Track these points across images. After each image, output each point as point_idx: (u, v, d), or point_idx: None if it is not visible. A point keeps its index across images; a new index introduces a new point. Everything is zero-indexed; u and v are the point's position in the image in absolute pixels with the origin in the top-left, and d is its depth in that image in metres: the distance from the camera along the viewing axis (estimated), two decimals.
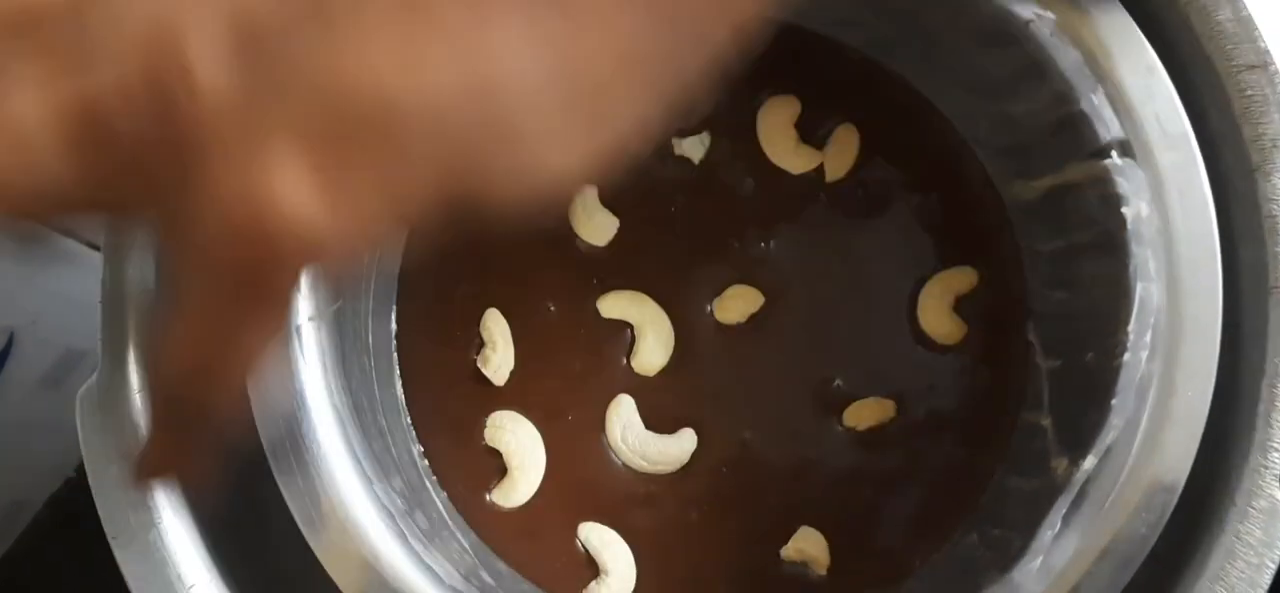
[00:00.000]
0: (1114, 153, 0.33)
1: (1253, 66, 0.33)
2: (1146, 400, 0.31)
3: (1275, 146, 0.32)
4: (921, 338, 0.39)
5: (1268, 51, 0.32)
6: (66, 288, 0.51)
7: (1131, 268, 0.33)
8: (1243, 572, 0.31)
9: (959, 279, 0.39)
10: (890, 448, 0.39)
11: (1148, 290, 0.32)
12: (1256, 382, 0.32)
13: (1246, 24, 0.32)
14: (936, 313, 0.39)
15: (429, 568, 0.32)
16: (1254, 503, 0.31)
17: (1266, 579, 0.31)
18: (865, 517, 0.39)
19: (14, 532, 0.58)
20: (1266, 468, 0.31)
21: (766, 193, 0.40)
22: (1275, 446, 0.31)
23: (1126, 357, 0.32)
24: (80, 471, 0.57)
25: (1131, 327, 0.32)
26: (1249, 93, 0.32)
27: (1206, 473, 0.32)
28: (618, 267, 0.40)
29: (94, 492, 0.32)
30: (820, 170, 0.40)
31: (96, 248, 0.51)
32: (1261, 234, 0.32)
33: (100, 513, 0.32)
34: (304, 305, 0.32)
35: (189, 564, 0.32)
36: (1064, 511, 0.32)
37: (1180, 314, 0.32)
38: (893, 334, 0.40)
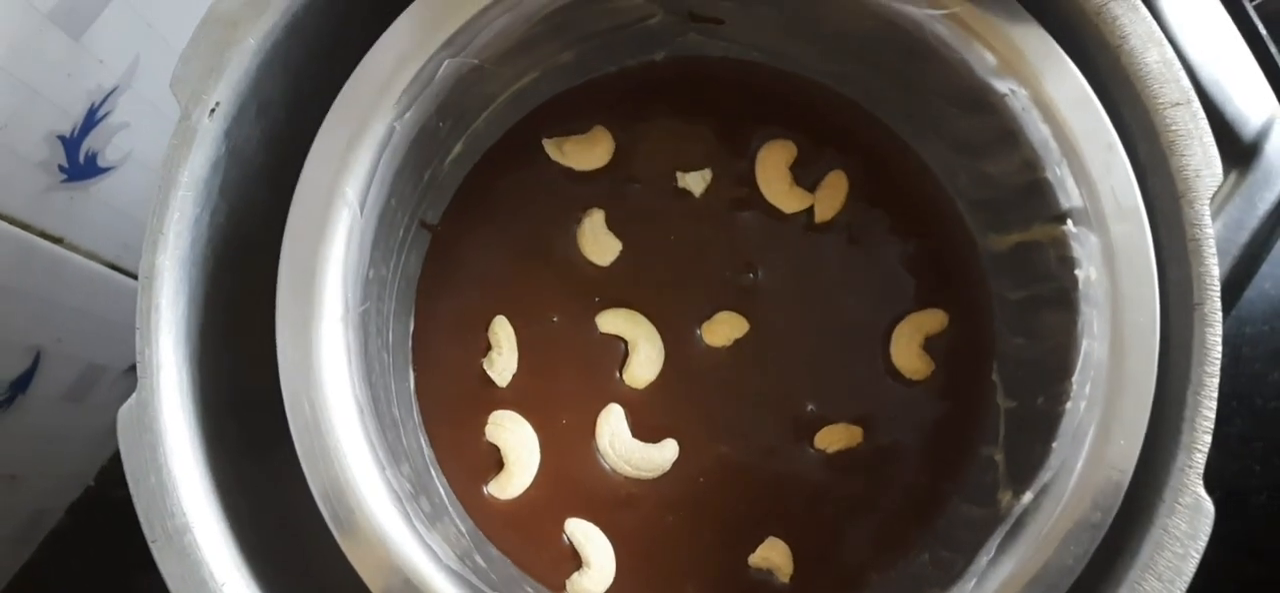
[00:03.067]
0: (1071, 220, 0.36)
1: (1177, 103, 0.36)
2: (1083, 446, 0.34)
3: (1198, 176, 0.35)
4: (892, 371, 0.42)
5: (1190, 90, 0.36)
6: (89, 307, 0.54)
7: (1080, 324, 0.36)
8: (1170, 562, 0.34)
9: (930, 320, 0.42)
10: (856, 471, 0.42)
11: (1092, 347, 0.35)
12: (1183, 390, 0.35)
13: (1171, 66, 0.36)
14: (907, 350, 0.42)
15: (430, 548, 0.34)
16: (1180, 500, 0.34)
17: (1191, 568, 0.34)
18: (829, 532, 0.41)
19: (37, 537, 0.61)
20: (1191, 468, 0.34)
21: (759, 228, 0.43)
22: (1199, 448, 0.34)
23: (1068, 404, 0.35)
24: (99, 480, 0.60)
25: (1075, 378, 0.35)
26: (1174, 128, 0.36)
27: (1139, 470, 0.35)
28: (617, 286, 0.43)
29: (134, 500, 0.34)
30: (811, 210, 0.43)
31: (118, 270, 0.54)
32: (1186, 255, 0.35)
33: (140, 518, 0.34)
34: (335, 305, 0.35)
35: (220, 564, 0.34)
36: (1000, 539, 0.35)
37: (1121, 372, 0.35)
38: (865, 366, 0.42)
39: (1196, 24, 0.52)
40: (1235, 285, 0.50)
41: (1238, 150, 0.50)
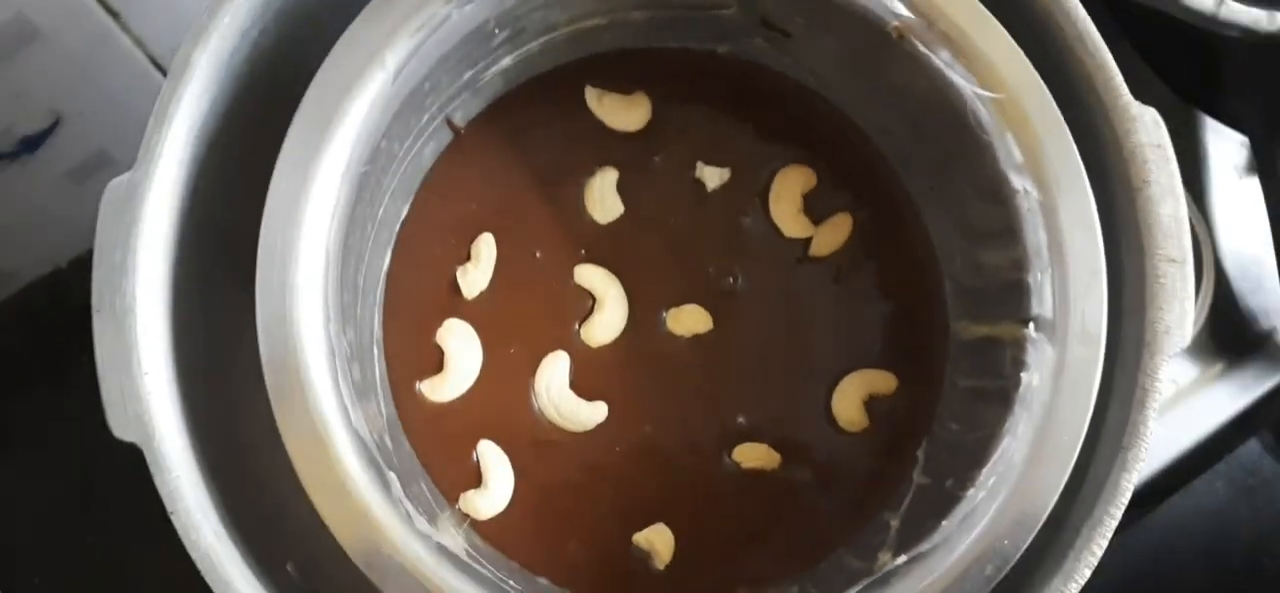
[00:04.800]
0: (1034, 325, 0.37)
1: (1173, 260, 0.37)
2: (968, 534, 0.35)
3: (1167, 333, 0.36)
4: (828, 415, 0.43)
5: (1189, 251, 0.37)
6: (121, 94, 0.55)
7: (1007, 422, 0.36)
8: None
9: (880, 381, 0.43)
10: (762, 493, 0.42)
11: (1010, 446, 0.36)
12: (1081, 521, 0.36)
13: (1181, 223, 0.37)
14: (850, 401, 0.43)
15: (347, 411, 0.35)
16: None
17: None
18: (716, 539, 0.42)
19: None
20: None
21: (755, 240, 0.44)
22: (1077, 579, 0.35)
23: (970, 491, 0.36)
24: (71, 266, 0.61)
25: (985, 469, 0.36)
26: (1162, 281, 0.37)
27: (1011, 576, 0.35)
28: (606, 246, 0.44)
29: (93, 268, 0.36)
30: (809, 241, 0.44)
31: (159, 69, 0.55)
32: (1130, 400, 0.37)
33: (93, 287, 0.36)
34: (341, 155, 0.36)
35: (151, 356, 0.36)
36: (860, 588, 0.35)
37: (1029, 478, 0.36)
38: (806, 401, 0.43)
39: (1241, 215, 0.52)
40: (1181, 474, 0.50)
41: (1236, 345, 0.51)
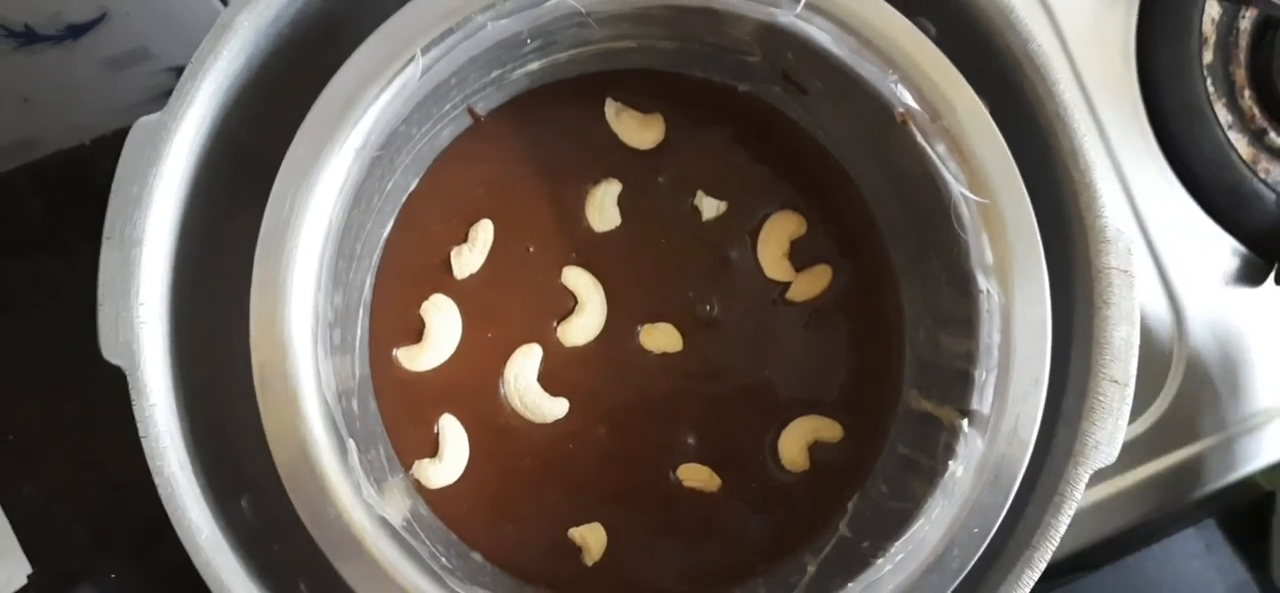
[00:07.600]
0: (969, 420, 0.39)
1: (1115, 381, 0.39)
2: None
3: (1096, 448, 0.39)
4: (773, 452, 0.45)
5: (1132, 376, 0.39)
6: (170, 3, 0.55)
7: (926, 505, 0.38)
8: None
9: (827, 428, 0.45)
10: (697, 511, 0.45)
11: (923, 527, 0.38)
12: None
13: (1130, 347, 0.39)
14: (795, 443, 0.45)
15: (318, 371, 0.38)
16: None
17: None
18: (644, 547, 0.45)
19: (16, 160, 0.62)
20: None
21: (739, 275, 0.46)
22: None
23: (879, 560, 0.38)
24: (94, 144, 0.60)
25: (898, 543, 0.38)
26: (1101, 398, 0.39)
27: None
28: (597, 253, 0.46)
29: (112, 197, 0.38)
30: (788, 285, 0.46)
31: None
32: (1047, 505, 0.39)
33: (108, 215, 0.38)
34: (358, 136, 0.38)
35: (149, 288, 0.38)
36: None
37: (936, 563, 0.38)
38: (754, 435, 0.45)
39: (1214, 314, 0.54)
40: (1112, 551, 0.52)
41: (1190, 438, 0.53)
